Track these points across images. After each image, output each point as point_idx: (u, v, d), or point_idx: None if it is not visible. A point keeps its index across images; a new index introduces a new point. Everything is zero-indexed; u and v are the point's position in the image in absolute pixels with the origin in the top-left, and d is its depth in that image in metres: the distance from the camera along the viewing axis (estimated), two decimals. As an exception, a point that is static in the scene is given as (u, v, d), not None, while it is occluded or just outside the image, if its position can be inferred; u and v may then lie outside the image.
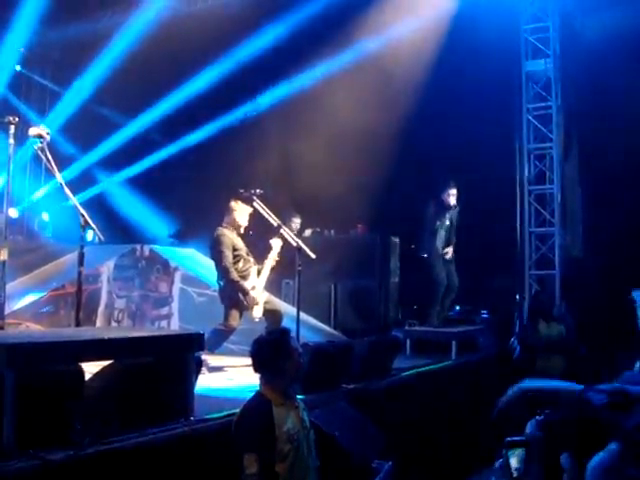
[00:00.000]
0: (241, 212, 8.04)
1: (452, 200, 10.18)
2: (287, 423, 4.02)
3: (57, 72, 14.26)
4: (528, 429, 2.81)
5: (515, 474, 2.26)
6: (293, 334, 7.20)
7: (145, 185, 13.85)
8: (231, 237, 7.98)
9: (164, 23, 11.84)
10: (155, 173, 13.67)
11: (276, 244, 8.04)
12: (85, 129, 13.09)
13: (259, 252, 9.68)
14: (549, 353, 8.65)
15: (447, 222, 10.25)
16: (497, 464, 2.39)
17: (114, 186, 14.29)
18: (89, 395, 4.25)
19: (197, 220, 12.03)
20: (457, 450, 7.40)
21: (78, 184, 10.85)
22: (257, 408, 4.07)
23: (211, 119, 13.33)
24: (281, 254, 8.19)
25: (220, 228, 8.03)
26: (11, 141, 5.99)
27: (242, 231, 8.16)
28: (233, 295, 7.87)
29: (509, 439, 2.34)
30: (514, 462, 2.32)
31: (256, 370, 4.27)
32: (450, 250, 10.32)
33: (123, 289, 10.53)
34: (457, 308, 11.27)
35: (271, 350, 4.17)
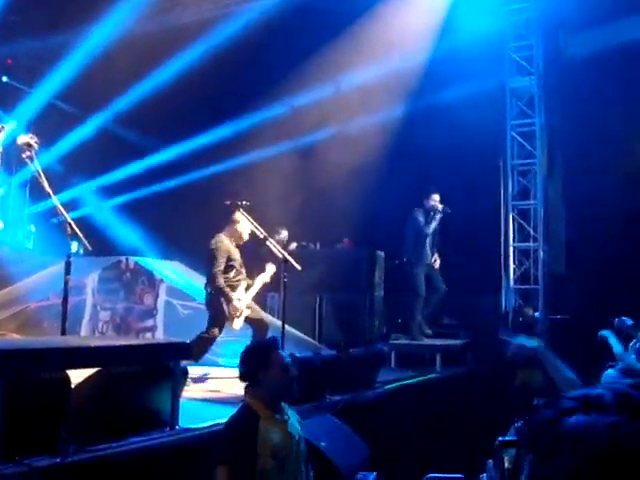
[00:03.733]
0: (244, 225, 8.07)
1: (438, 205, 10.25)
2: (273, 438, 3.83)
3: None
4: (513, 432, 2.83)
5: (507, 473, 2.29)
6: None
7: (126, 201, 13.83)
8: (228, 245, 7.99)
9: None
10: (133, 188, 13.65)
11: (270, 269, 8.09)
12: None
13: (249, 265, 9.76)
14: (530, 368, 8.68)
15: (433, 227, 10.31)
16: (489, 463, 2.40)
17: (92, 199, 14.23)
18: (75, 403, 4.25)
19: (182, 235, 12.08)
20: (441, 462, 7.41)
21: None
22: (242, 420, 3.90)
23: (192, 135, 13.37)
24: (272, 278, 8.27)
25: (220, 235, 8.01)
26: (-1, 149, 6.02)
27: (241, 243, 8.18)
28: (217, 303, 7.87)
29: (501, 439, 2.36)
30: (507, 461, 2.34)
31: (240, 380, 4.14)
32: (437, 258, 10.42)
33: (107, 301, 10.50)
34: (445, 322, 11.32)
35: (251, 360, 4.05)
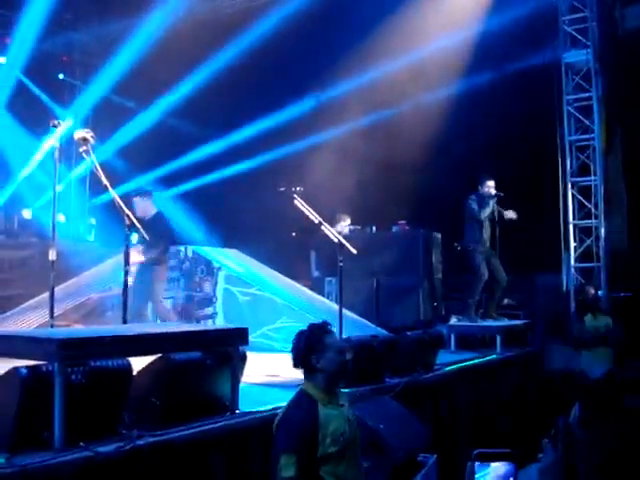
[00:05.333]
0: (139, 202, 8.54)
1: (492, 191, 10.12)
2: (332, 424, 3.78)
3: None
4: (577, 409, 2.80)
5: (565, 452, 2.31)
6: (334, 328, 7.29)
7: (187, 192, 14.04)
8: None
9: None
10: (193, 178, 13.82)
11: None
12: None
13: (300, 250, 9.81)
14: (596, 345, 8.56)
15: (490, 212, 10.18)
16: (545, 443, 2.39)
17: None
18: (137, 389, 4.34)
19: (238, 223, 12.21)
20: (501, 444, 7.37)
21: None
22: (301, 407, 3.84)
23: (253, 121, 13.46)
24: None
25: None
26: (57, 144, 6.13)
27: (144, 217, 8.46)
28: None
29: (562, 419, 2.35)
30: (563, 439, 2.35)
31: (294, 366, 4.03)
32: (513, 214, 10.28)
33: (169, 290, 10.65)
34: (505, 302, 11.18)
35: (303, 346, 3.94)
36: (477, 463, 2.11)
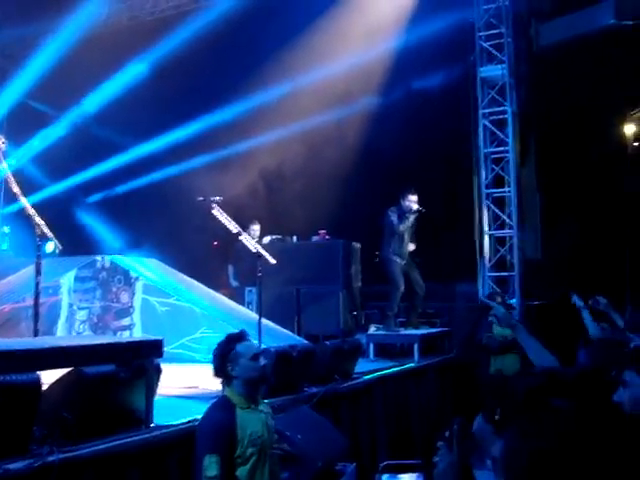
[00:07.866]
0: None
1: (414, 206, 10.21)
2: (250, 427, 3.95)
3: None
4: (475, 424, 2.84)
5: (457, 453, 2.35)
6: (254, 340, 7.26)
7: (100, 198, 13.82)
8: None
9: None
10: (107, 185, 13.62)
11: None
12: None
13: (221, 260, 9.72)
14: (504, 352, 8.73)
15: (409, 226, 10.28)
16: (441, 445, 2.43)
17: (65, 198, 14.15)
18: (48, 403, 4.23)
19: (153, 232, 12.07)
20: (419, 452, 7.47)
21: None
22: (220, 410, 4.01)
23: (173, 129, 13.34)
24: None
25: None
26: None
27: None
28: None
29: (456, 426, 2.38)
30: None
31: (214, 375, 4.24)
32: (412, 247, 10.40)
33: (84, 300, 10.42)
34: (421, 310, 11.35)
35: (219, 355, 4.14)
36: (386, 475, 2.11)
